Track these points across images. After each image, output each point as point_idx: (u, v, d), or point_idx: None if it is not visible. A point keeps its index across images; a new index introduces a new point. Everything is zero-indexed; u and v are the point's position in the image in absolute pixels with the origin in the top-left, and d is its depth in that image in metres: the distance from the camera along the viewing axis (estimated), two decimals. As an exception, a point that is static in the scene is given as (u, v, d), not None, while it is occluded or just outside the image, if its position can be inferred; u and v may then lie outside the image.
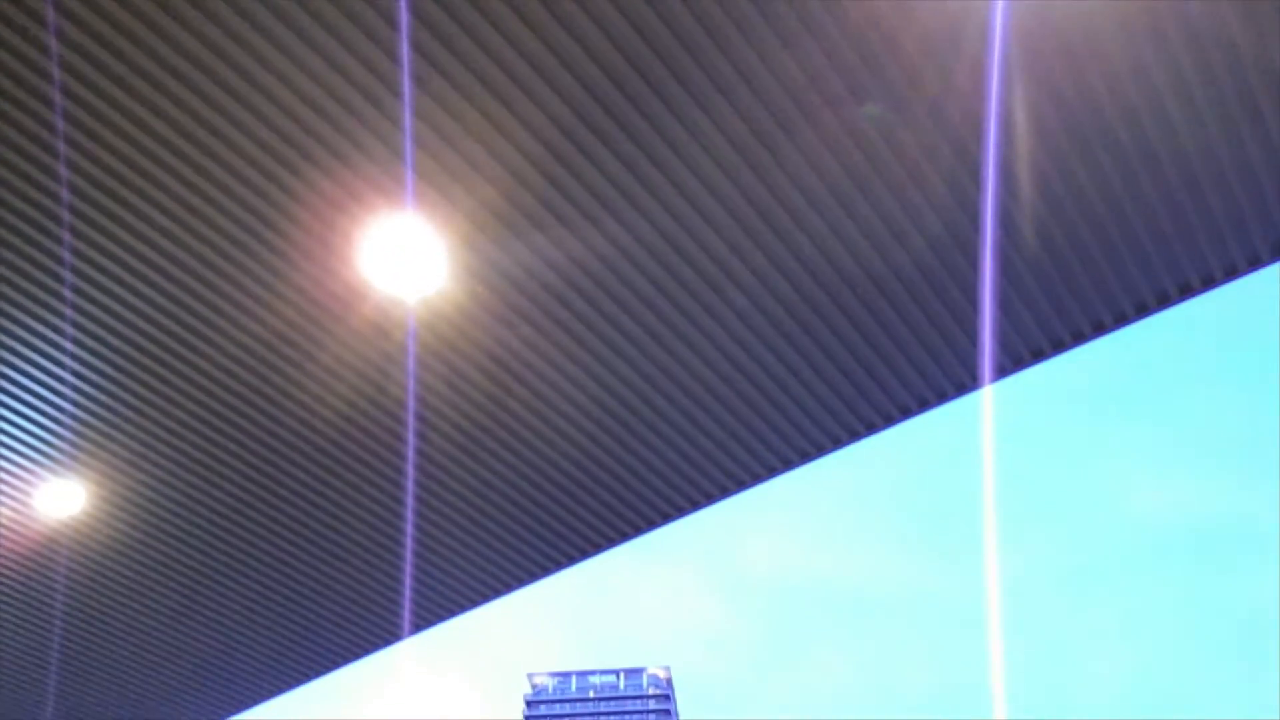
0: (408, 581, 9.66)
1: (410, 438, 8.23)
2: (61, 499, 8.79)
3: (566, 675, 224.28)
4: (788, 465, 8.74)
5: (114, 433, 8.14)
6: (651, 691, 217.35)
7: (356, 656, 11.02)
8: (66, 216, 6.65)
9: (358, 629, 10.52)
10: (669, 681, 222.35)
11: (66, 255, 6.91)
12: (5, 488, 8.66)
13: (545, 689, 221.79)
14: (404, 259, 6.99)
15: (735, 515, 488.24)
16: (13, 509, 8.85)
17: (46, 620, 10.12)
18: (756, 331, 7.44)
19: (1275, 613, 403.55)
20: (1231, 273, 6.96)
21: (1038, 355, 7.75)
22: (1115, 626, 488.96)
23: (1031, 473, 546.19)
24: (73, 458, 8.37)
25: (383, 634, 10.61)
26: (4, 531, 9.08)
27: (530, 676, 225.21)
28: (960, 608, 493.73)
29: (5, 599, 9.83)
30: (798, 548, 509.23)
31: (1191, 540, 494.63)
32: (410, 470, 8.49)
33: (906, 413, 8.24)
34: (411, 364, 7.68)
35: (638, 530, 9.37)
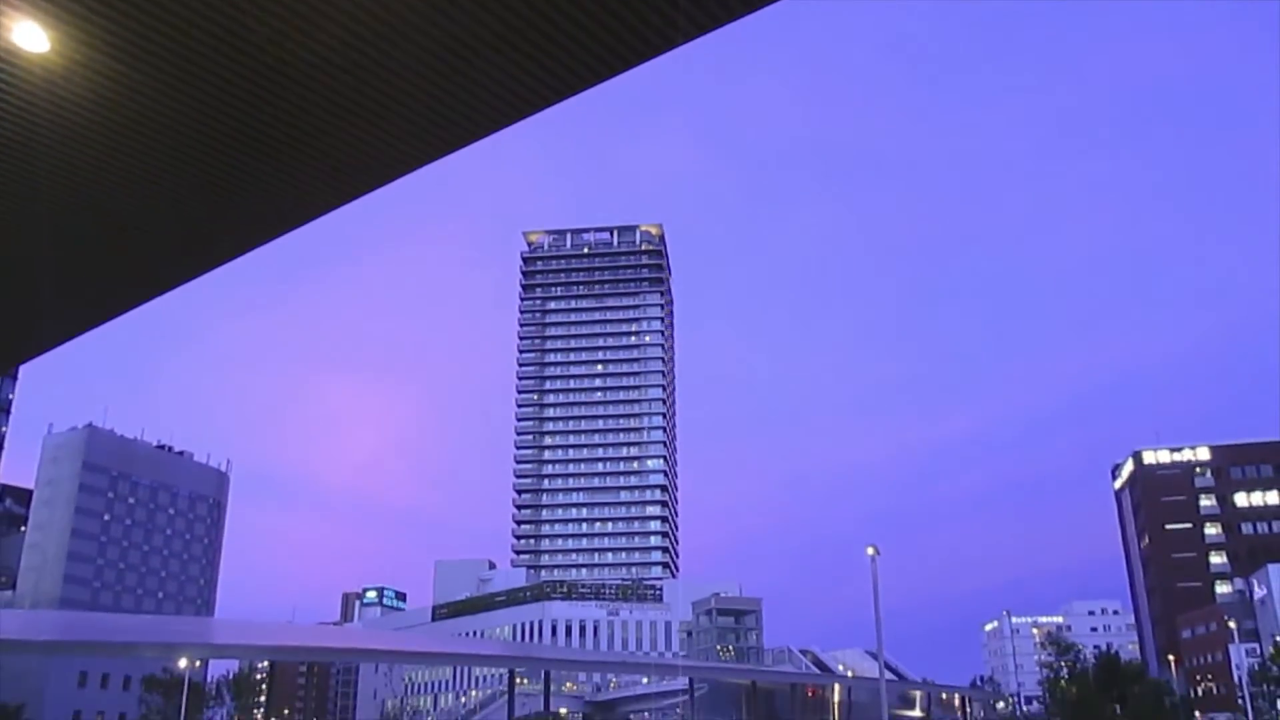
0: (399, 120, 9.48)
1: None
2: (28, 36, 8.43)
3: (562, 233, 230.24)
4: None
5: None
6: (644, 248, 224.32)
7: (346, 199, 11.05)
8: None
9: (349, 171, 10.48)
10: (662, 238, 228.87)
11: None
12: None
13: (541, 246, 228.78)
14: None
15: (726, 75, 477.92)
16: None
17: (29, 170, 10.05)
18: None
19: (1265, 177, 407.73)
20: None
21: None
22: (1105, 182, 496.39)
23: (1027, 20, 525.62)
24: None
25: (372, 176, 10.56)
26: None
27: (525, 234, 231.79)
28: (944, 162, 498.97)
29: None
30: (787, 106, 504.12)
31: (1189, 101, 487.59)
32: None
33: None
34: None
35: (626, 64, 9.04)
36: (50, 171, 10.04)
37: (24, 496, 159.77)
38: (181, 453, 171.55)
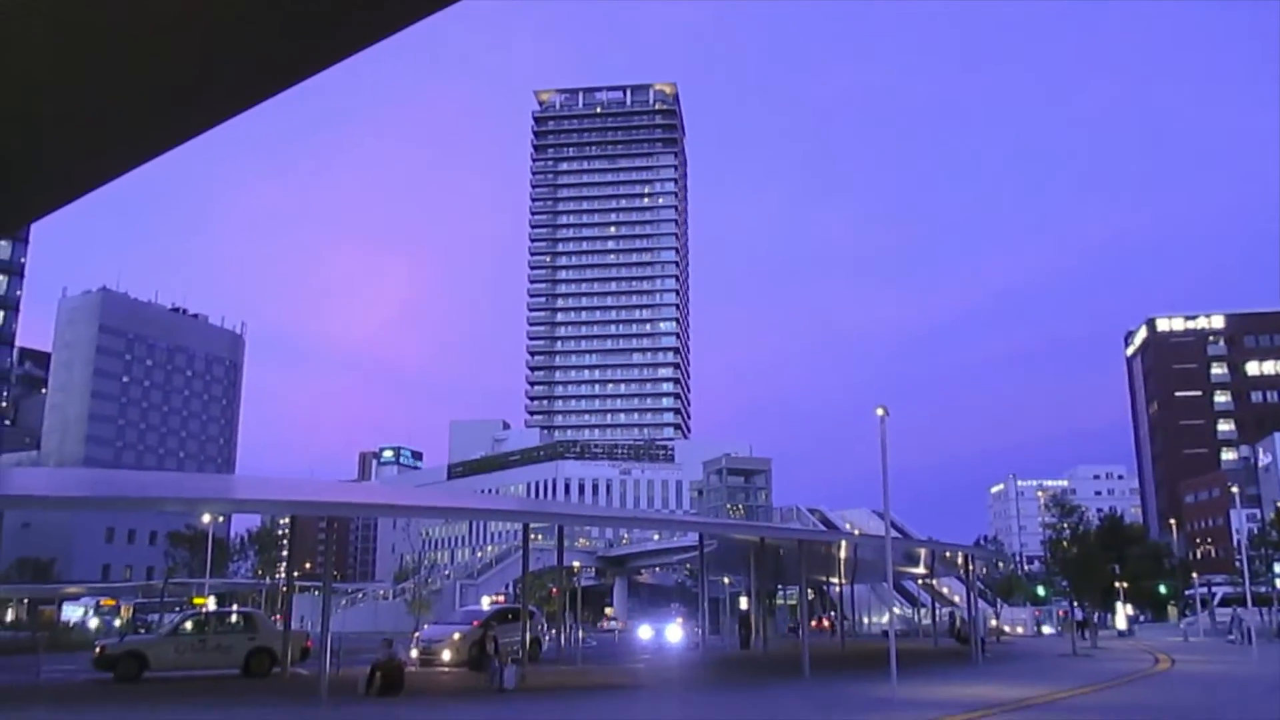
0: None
1: None
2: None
3: (574, 92, 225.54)
4: None
5: None
6: (658, 107, 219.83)
7: (351, 50, 10.66)
8: None
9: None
10: (676, 97, 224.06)
11: None
12: None
13: (553, 105, 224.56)
14: None
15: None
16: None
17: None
18: None
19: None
20: None
21: None
22: (1118, 47, 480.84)
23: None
24: None
25: (372, 30, 10.17)
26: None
27: (536, 93, 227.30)
28: (960, 26, 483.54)
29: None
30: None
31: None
32: None
33: None
34: None
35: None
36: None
37: (43, 359, 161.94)
38: (196, 315, 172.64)
